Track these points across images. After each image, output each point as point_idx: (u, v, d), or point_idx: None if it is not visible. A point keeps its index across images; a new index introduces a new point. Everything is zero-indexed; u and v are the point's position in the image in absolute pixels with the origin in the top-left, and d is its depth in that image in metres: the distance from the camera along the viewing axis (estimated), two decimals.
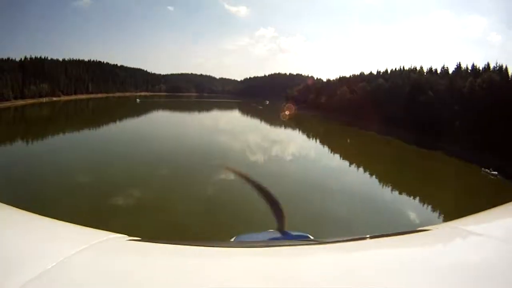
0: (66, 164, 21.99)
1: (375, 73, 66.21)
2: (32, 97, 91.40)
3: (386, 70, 62.47)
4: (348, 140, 42.49)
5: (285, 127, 57.31)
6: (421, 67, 53.50)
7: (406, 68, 57.40)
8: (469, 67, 45.07)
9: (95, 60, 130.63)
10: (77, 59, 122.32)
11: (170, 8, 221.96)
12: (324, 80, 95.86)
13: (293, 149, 37.81)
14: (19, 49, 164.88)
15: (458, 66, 46.56)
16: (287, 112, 69.72)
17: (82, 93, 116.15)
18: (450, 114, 36.81)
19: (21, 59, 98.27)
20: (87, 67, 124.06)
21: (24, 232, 0.77)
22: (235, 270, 0.62)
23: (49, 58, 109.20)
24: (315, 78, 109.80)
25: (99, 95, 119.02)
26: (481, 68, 42.50)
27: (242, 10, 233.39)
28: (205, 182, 18.01)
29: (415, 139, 38.03)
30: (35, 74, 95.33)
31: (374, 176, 27.95)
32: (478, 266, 0.60)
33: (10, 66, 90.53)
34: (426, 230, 0.84)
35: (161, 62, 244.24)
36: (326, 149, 38.99)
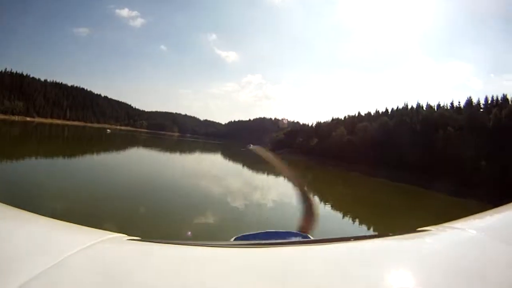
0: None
1: (373, 113, 65.04)
2: (4, 112, 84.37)
3: (387, 110, 60.84)
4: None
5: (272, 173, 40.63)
6: (428, 103, 51.45)
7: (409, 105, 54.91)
8: (482, 101, 42.36)
9: (78, 86, 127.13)
10: (59, 82, 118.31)
11: (163, 47, 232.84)
12: (312, 124, 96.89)
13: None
14: (2, 61, 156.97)
15: (469, 100, 44.20)
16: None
17: (58, 118, 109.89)
18: (476, 152, 32.67)
19: (1, 71, 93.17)
20: (68, 92, 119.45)
21: (23, 231, 0.76)
22: (235, 270, 0.62)
23: (30, 76, 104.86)
24: (301, 124, 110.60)
25: (76, 123, 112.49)
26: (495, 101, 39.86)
27: (231, 56, 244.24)
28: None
29: (440, 186, 30.08)
30: (11, 89, 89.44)
31: None
32: (478, 266, 0.60)
33: None
34: (425, 230, 0.83)
35: (146, 99, 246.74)
36: (338, 205, 23.66)
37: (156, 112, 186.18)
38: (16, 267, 0.56)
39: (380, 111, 62.94)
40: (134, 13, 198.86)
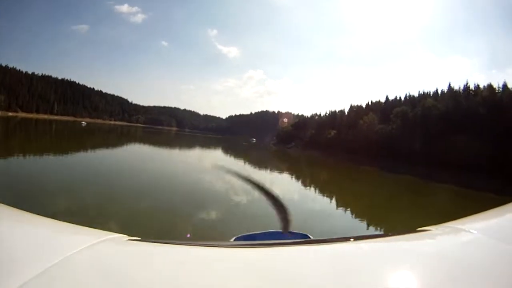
0: None
1: (403, 97, 53.81)
2: None
3: (425, 93, 48.87)
4: None
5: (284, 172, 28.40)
6: (490, 84, 38.08)
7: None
8: None
9: (68, 79, 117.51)
10: (46, 74, 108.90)
11: (164, 43, 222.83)
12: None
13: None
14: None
15: None
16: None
17: (45, 113, 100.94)
18: None
19: None
20: (57, 86, 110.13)
21: (23, 231, 0.77)
22: (235, 270, 0.62)
23: (16, 69, 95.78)
24: (307, 116, 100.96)
25: (65, 118, 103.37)
26: None
27: (233, 51, 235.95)
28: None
29: None
30: None
31: None
32: (478, 266, 0.60)
33: None
34: (426, 230, 0.84)
35: (146, 94, 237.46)
36: None
37: (154, 107, 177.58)
38: (16, 267, 0.55)
39: (411, 95, 52.40)
40: (135, 8, 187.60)
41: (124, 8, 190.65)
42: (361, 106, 66.42)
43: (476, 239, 0.74)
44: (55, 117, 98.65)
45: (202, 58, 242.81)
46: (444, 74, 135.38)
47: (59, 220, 0.86)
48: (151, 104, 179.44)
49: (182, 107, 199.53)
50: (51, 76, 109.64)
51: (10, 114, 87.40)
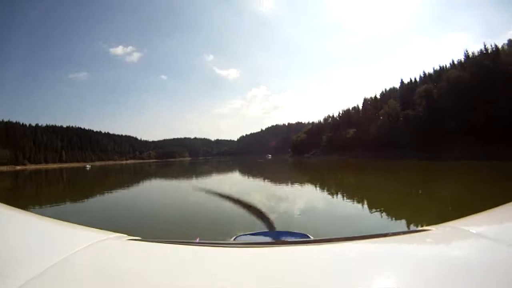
0: None
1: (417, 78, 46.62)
2: None
3: (444, 66, 42.19)
4: None
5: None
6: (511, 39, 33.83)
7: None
8: None
9: (72, 126, 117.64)
10: (52, 125, 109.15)
11: (163, 76, 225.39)
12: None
13: None
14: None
15: None
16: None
17: (54, 162, 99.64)
18: None
19: None
20: (63, 134, 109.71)
21: (23, 232, 0.77)
22: (235, 269, 0.63)
23: (20, 123, 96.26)
24: (319, 122, 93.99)
25: (74, 164, 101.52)
26: None
27: (232, 73, 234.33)
28: None
29: None
30: None
31: None
32: (478, 266, 0.60)
33: None
34: (426, 230, 0.83)
35: (152, 129, 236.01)
36: None
37: (164, 141, 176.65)
38: (17, 267, 0.55)
39: (427, 73, 45.24)
40: (129, 48, 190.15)
41: (119, 50, 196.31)
42: (375, 97, 59.66)
43: (476, 239, 0.73)
44: (65, 165, 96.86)
45: (203, 84, 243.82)
46: (442, 54, 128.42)
47: (59, 220, 0.86)
48: (161, 138, 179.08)
49: (192, 136, 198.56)
50: (55, 125, 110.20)
51: (18, 168, 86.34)
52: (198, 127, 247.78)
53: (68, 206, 12.72)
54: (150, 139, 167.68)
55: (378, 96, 58.36)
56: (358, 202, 10.50)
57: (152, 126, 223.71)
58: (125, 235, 0.80)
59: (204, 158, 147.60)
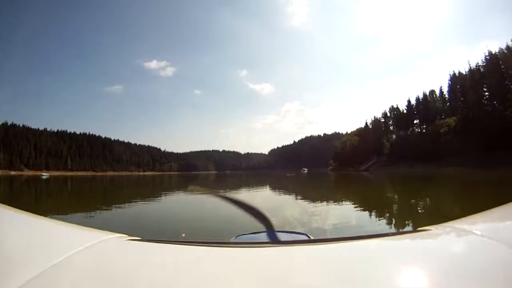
0: None
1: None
2: None
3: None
4: None
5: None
6: None
7: None
8: None
9: (86, 133, 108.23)
10: (62, 130, 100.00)
11: (197, 91, 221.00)
12: None
13: None
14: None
15: None
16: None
17: (57, 169, 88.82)
18: None
19: None
20: (72, 140, 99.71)
21: (23, 232, 0.77)
22: (235, 269, 0.62)
23: (26, 126, 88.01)
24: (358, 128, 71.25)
25: (81, 173, 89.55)
26: None
27: (266, 88, 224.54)
28: None
29: None
30: None
31: None
32: (478, 266, 0.60)
33: None
34: (426, 230, 0.83)
35: (179, 141, 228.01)
36: None
37: (190, 153, 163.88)
38: (17, 267, 0.56)
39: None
40: (163, 63, 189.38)
41: (153, 64, 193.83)
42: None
43: (476, 239, 0.72)
44: (69, 173, 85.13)
45: (236, 99, 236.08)
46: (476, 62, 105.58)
47: (59, 220, 0.86)
48: (186, 150, 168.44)
49: (220, 149, 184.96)
50: (65, 131, 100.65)
51: (13, 173, 76.08)
52: (229, 140, 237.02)
53: None
54: (175, 151, 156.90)
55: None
56: None
57: (179, 138, 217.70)
58: (125, 235, 0.79)
59: (232, 172, 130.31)
